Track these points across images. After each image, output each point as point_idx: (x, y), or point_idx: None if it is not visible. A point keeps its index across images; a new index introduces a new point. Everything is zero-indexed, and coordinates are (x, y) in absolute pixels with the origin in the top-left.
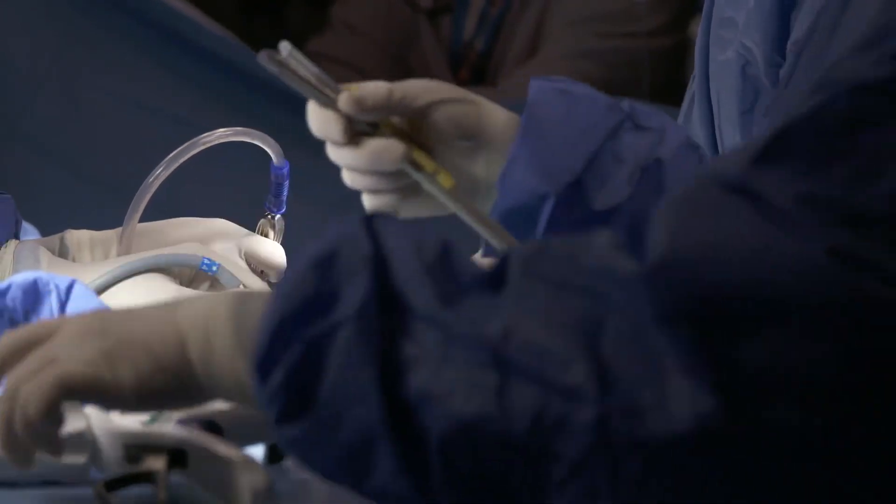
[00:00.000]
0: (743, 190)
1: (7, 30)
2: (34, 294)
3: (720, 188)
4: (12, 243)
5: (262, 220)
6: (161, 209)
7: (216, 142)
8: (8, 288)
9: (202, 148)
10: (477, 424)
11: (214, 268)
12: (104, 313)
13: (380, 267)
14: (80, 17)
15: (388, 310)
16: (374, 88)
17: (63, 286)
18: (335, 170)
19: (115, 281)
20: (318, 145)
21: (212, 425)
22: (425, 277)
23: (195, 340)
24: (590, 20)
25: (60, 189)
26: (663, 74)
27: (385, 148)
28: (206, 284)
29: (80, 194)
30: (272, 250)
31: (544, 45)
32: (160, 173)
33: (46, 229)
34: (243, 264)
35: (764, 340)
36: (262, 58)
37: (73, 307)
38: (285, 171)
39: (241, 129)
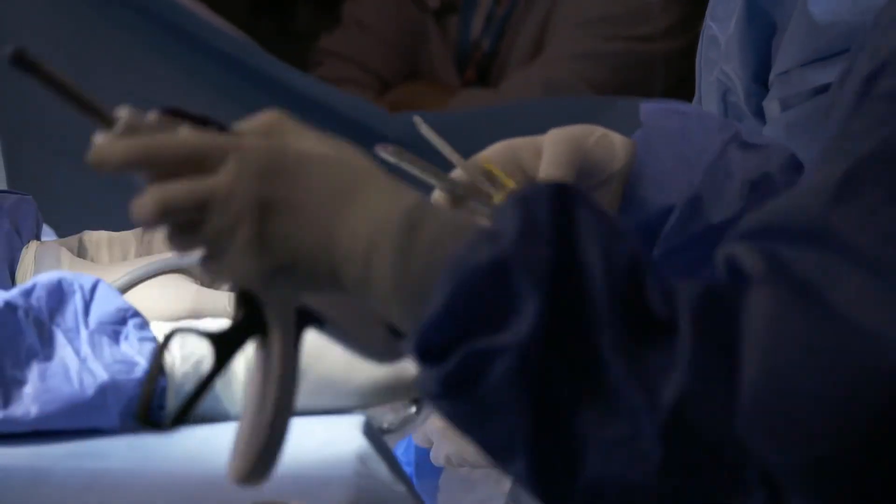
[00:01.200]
0: (821, 237)
1: (22, 30)
2: (59, 294)
3: (790, 283)
4: (33, 244)
5: None
6: None
7: None
8: (33, 288)
9: None
10: (635, 491)
11: None
12: (278, 168)
13: (561, 283)
14: (95, 18)
15: (559, 340)
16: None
17: (87, 286)
18: None
19: (136, 281)
20: None
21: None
22: (609, 309)
23: (350, 271)
24: (594, 22)
25: (75, 189)
26: (670, 78)
27: None
28: (227, 285)
29: (95, 195)
30: None
31: (548, 45)
32: None
33: (61, 229)
34: None
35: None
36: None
37: (97, 307)
38: None
39: None
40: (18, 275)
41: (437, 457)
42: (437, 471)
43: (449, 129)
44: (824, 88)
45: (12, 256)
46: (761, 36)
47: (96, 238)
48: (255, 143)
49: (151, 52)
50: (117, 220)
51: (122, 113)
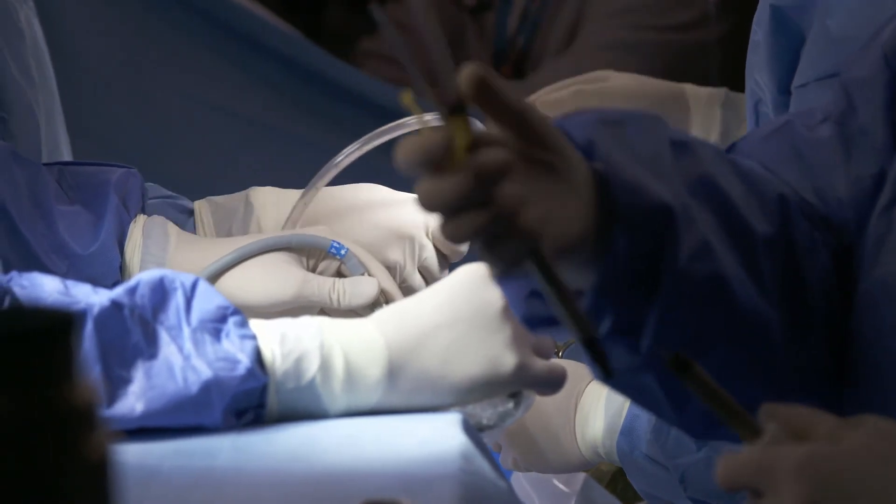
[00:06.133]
0: None
1: (78, 30)
2: (161, 291)
3: None
4: (141, 218)
5: None
6: None
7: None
8: (136, 286)
9: (405, 131)
10: None
11: (343, 251)
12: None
13: None
14: (150, 17)
15: None
16: None
17: (188, 283)
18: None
19: (242, 258)
20: (386, 146)
21: None
22: None
23: None
24: (624, 11)
25: None
26: (702, 68)
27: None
28: (334, 268)
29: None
30: None
31: (579, 37)
32: (353, 152)
33: None
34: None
35: None
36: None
37: (198, 304)
38: None
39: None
40: (128, 249)
41: (506, 460)
42: (507, 473)
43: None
44: None
45: (121, 231)
46: (789, 45)
47: (262, 196)
48: (792, 460)
49: (205, 50)
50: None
51: (769, 427)
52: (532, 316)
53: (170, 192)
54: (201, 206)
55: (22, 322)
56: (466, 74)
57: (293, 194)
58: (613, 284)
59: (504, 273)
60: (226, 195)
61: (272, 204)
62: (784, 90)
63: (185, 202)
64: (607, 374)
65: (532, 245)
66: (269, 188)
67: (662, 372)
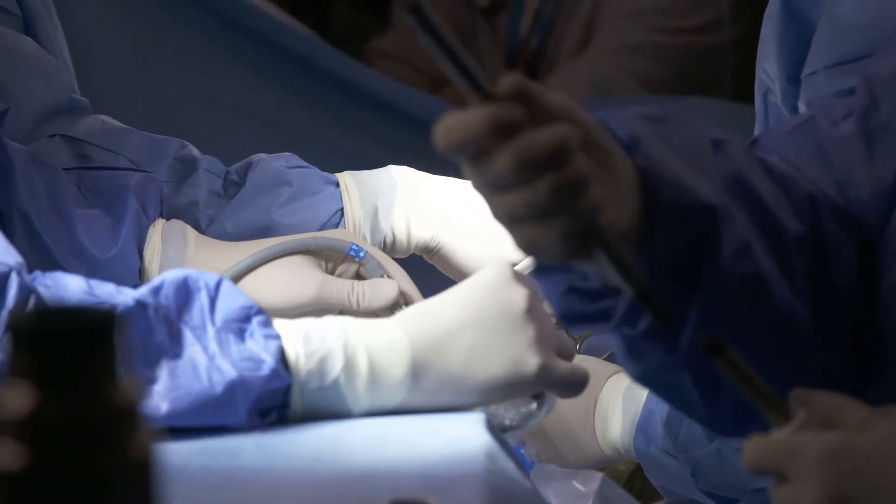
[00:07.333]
0: None
1: (92, 30)
2: (185, 291)
3: None
4: (159, 223)
5: None
6: None
7: None
8: (161, 286)
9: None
10: None
11: (362, 254)
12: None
13: None
14: (164, 17)
15: None
16: None
17: (212, 283)
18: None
19: (261, 262)
20: (400, 146)
21: None
22: None
23: None
24: (639, 14)
25: None
26: (715, 71)
27: None
28: (353, 271)
29: None
30: None
31: (594, 39)
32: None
33: None
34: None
35: None
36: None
37: (222, 304)
38: None
39: None
40: (147, 254)
41: (530, 454)
42: (527, 467)
43: None
44: (849, 92)
45: (140, 235)
46: (798, 34)
47: (406, 174)
48: (819, 447)
49: (217, 49)
50: None
51: (799, 413)
52: (569, 312)
53: (307, 164)
54: (346, 180)
55: (66, 321)
56: (506, 85)
57: (429, 177)
58: (654, 281)
59: (557, 258)
60: (366, 171)
61: (416, 184)
62: (793, 79)
63: (323, 173)
64: (668, 321)
65: (593, 217)
66: (407, 168)
67: (699, 371)
